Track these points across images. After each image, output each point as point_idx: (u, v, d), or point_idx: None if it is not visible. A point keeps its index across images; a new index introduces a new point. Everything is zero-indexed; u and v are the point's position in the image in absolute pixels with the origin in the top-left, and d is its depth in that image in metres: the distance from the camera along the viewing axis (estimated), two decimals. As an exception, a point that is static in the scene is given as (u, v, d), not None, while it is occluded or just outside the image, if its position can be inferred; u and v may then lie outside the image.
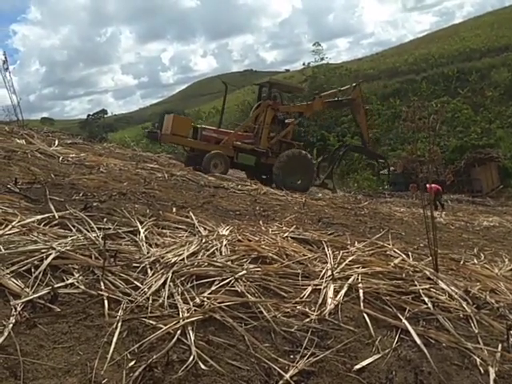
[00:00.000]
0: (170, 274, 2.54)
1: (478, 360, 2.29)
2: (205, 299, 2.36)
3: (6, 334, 1.86)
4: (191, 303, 2.31)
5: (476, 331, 2.53)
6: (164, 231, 3.41)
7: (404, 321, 2.48)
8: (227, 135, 14.09)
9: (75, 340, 1.95)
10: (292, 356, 2.11)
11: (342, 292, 2.64)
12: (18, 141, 6.57)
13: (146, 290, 2.38)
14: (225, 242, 3.15)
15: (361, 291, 2.69)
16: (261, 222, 4.25)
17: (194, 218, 3.83)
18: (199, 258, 2.86)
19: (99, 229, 3.02)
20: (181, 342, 2.02)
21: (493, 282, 3.30)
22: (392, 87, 43.17)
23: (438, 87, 40.28)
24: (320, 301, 2.55)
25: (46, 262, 2.38)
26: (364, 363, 2.13)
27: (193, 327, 2.12)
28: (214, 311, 2.26)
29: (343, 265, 3.07)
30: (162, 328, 2.06)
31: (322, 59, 48.01)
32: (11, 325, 1.91)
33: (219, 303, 2.33)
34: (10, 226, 2.72)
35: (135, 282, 2.45)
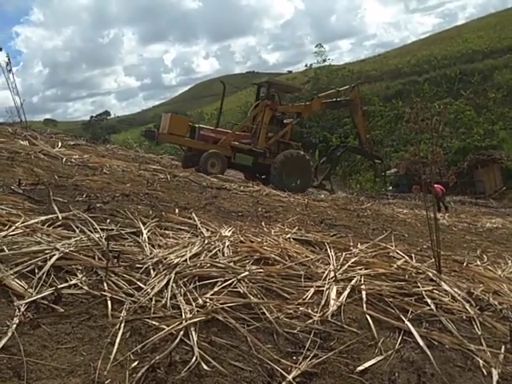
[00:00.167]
0: (172, 275, 2.54)
1: (481, 362, 2.29)
2: (207, 300, 2.36)
3: (9, 334, 1.86)
4: (194, 304, 2.32)
5: (479, 333, 2.53)
6: (167, 232, 3.41)
7: (407, 322, 2.47)
8: (225, 135, 13.96)
9: (78, 340, 1.95)
10: (295, 357, 2.12)
11: (345, 293, 2.64)
12: (22, 142, 6.59)
13: (148, 290, 2.39)
14: (227, 243, 3.16)
15: (363, 293, 2.69)
16: (263, 224, 4.25)
17: (196, 219, 3.84)
18: (202, 259, 2.87)
19: (102, 230, 3.03)
20: (183, 343, 2.02)
21: (496, 283, 3.29)
22: (394, 88, 43.15)
23: (441, 89, 40.22)
24: (323, 302, 2.55)
25: (49, 263, 2.39)
26: (367, 365, 2.13)
27: (195, 328, 2.12)
28: (217, 312, 2.26)
29: (346, 266, 3.07)
30: (164, 329, 2.07)
31: (325, 61, 47.99)
32: (15, 325, 1.92)
33: (222, 304, 2.33)
34: (13, 227, 2.73)
35: (138, 283, 2.46)
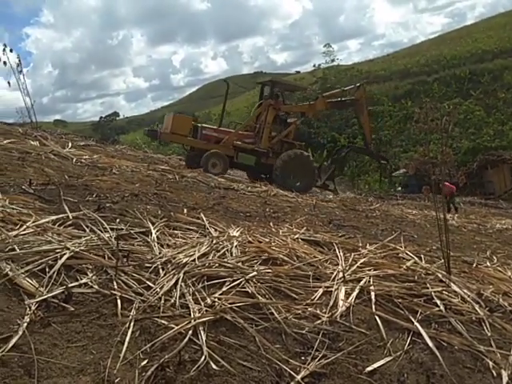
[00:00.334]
0: (181, 275, 2.55)
1: (490, 363, 2.28)
2: (216, 300, 2.37)
3: (20, 332, 1.88)
4: (202, 303, 2.33)
5: (489, 334, 2.51)
6: (175, 232, 3.43)
7: (416, 323, 2.46)
8: (228, 134, 13.84)
9: (88, 339, 1.97)
10: (303, 357, 2.12)
11: (354, 294, 2.64)
12: (32, 142, 6.66)
13: (157, 289, 2.40)
14: (235, 243, 3.17)
15: (372, 293, 2.68)
16: (271, 224, 4.25)
17: (204, 219, 3.85)
18: (210, 258, 2.88)
19: (112, 229, 3.05)
20: (192, 342, 2.03)
21: (506, 284, 3.27)
22: (403, 89, 42.88)
23: (450, 89, 39.93)
24: (331, 303, 2.55)
25: (60, 262, 2.41)
26: (375, 365, 2.12)
27: (204, 327, 2.13)
28: (225, 312, 2.27)
29: (355, 267, 3.06)
30: (173, 328, 2.07)
31: (333, 61, 47.81)
32: (26, 324, 1.94)
33: (230, 304, 2.33)
34: (24, 226, 2.76)
35: (147, 282, 2.47)
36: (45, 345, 1.88)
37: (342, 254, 3.37)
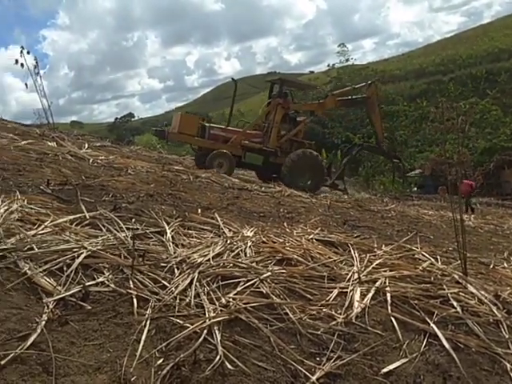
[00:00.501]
0: (196, 274, 2.57)
1: (508, 366, 2.24)
2: (230, 300, 2.37)
3: (38, 330, 1.91)
4: (217, 303, 2.33)
5: (506, 336, 2.47)
6: (190, 232, 3.45)
7: (432, 325, 2.44)
8: (235, 134, 13.72)
9: (105, 337, 1.99)
10: (318, 358, 2.11)
11: (369, 295, 2.62)
12: (50, 143, 6.76)
13: (173, 289, 2.41)
14: (249, 244, 3.16)
15: (388, 295, 2.66)
16: (285, 224, 4.25)
17: (218, 219, 3.86)
18: (224, 258, 2.88)
19: (128, 229, 3.08)
20: (207, 342, 2.03)
21: (524, 286, 3.21)
22: (419, 88, 42.56)
23: (466, 88, 39.48)
24: (346, 304, 2.53)
25: (77, 261, 2.44)
26: (391, 367, 2.10)
27: (219, 327, 2.13)
28: (240, 312, 2.27)
29: (370, 268, 3.04)
30: (189, 327, 2.08)
31: (347, 60, 47.62)
32: (44, 322, 1.96)
33: (245, 304, 2.33)
34: (42, 226, 2.80)
35: (163, 282, 2.49)
36: (62, 343, 1.90)
37: (357, 254, 3.34)
